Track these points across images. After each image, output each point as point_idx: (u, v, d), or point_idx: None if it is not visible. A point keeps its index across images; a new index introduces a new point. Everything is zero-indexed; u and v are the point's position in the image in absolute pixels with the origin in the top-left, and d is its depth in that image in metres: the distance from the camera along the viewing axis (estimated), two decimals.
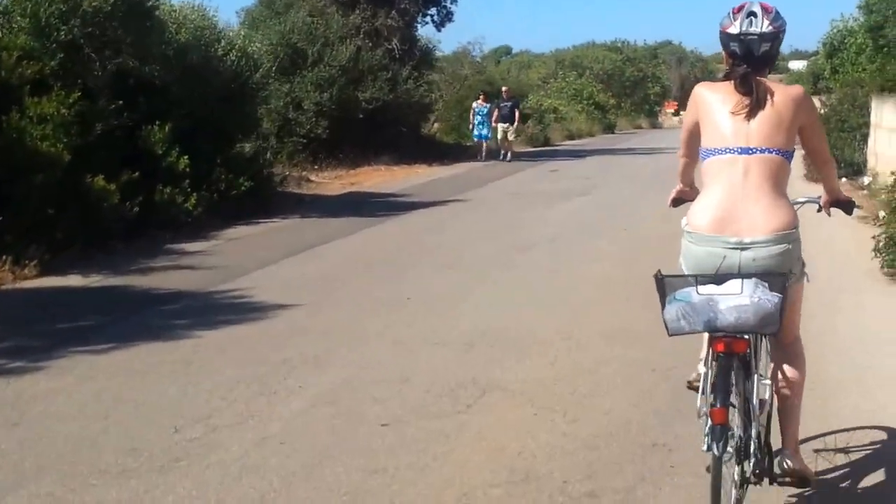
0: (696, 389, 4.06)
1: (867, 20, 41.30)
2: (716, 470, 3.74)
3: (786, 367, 4.20)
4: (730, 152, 4.00)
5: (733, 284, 3.81)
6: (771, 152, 3.98)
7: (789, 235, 3.97)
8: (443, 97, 40.93)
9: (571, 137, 44.09)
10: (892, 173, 9.53)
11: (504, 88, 29.15)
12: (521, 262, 10.75)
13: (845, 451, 4.99)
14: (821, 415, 5.38)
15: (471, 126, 28.06)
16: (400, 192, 18.92)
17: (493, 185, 20.25)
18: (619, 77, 69.86)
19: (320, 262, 11.01)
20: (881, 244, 9.28)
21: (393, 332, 7.65)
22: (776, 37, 4.09)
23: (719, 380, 3.81)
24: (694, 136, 4.26)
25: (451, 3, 30.54)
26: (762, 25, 4.04)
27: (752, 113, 4.01)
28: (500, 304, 8.63)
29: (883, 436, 5.25)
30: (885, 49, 39.59)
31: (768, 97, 4.02)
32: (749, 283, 3.79)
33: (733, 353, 3.84)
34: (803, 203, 4.48)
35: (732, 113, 4.02)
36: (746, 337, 3.90)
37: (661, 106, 79.82)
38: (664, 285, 3.92)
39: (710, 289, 3.83)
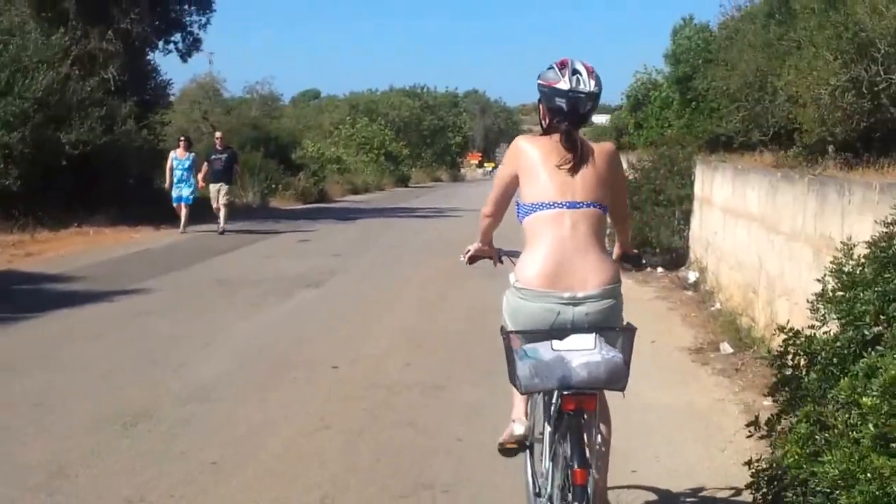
0: (510, 452, 4.14)
1: (674, 71, 38.10)
2: None
3: (601, 424, 4.18)
4: (557, 206, 4.02)
5: (584, 340, 3.78)
6: (595, 206, 4.05)
7: (616, 289, 4.06)
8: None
9: (356, 191, 39.43)
10: (780, 329, 4.79)
11: (217, 135, 21.30)
12: (100, 469, 5.63)
13: None
14: None
15: (167, 184, 20.13)
16: (70, 274, 13.56)
17: (207, 263, 15.12)
18: (417, 125, 66.00)
19: None
20: (762, 477, 4.62)
21: None
22: (598, 97, 4.15)
23: (573, 439, 3.77)
24: (509, 191, 4.27)
25: (199, 29, 25.51)
26: (590, 85, 4.09)
27: (575, 168, 4.06)
28: None
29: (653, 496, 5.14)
30: (694, 103, 36.60)
31: (588, 153, 4.09)
32: (598, 339, 3.76)
33: (583, 410, 3.81)
34: None
35: (557, 167, 4.05)
36: (594, 393, 3.86)
37: (462, 157, 76.43)
38: (510, 341, 3.85)
39: (561, 344, 3.77)
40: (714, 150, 23.89)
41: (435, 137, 68.47)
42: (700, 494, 5.21)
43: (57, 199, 20.00)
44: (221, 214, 19.90)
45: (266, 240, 18.82)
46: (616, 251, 4.63)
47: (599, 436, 4.16)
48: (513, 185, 4.24)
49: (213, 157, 20.40)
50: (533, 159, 4.12)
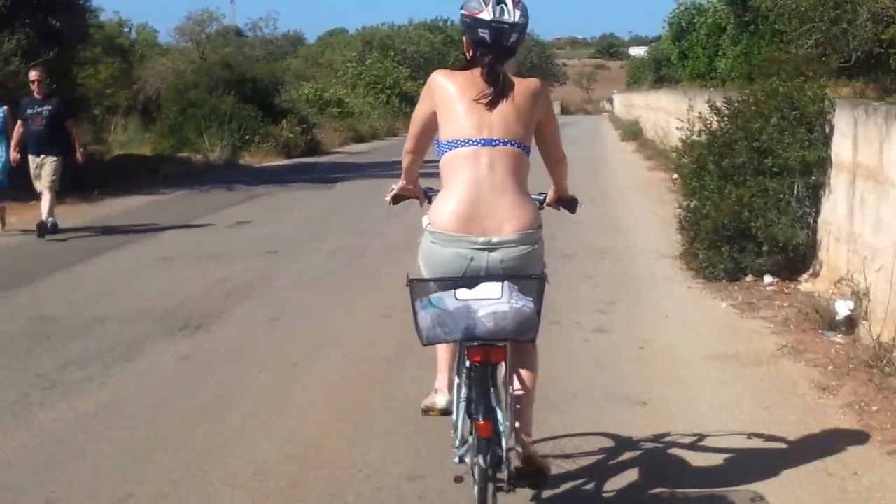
0: (433, 413, 4.06)
1: None
2: (482, 483, 3.57)
3: (522, 369, 4.09)
4: (472, 144, 3.81)
5: (491, 288, 3.59)
6: (513, 145, 3.83)
7: (534, 235, 3.83)
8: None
9: (360, 139, 33.95)
10: None
11: (33, 76, 12.58)
12: None
13: (571, 457, 4.77)
14: None
15: None
16: None
17: (58, 276, 9.77)
18: (440, 61, 60.11)
19: None
20: None
21: None
22: (524, 28, 3.92)
23: (479, 392, 3.68)
24: (428, 127, 4.04)
25: None
26: (514, 15, 3.88)
27: (493, 103, 3.85)
28: None
29: (610, 443, 4.99)
30: (752, 27, 30.93)
31: (510, 89, 3.87)
32: (506, 287, 3.58)
33: (490, 362, 3.70)
34: None
35: (475, 101, 3.83)
36: (502, 345, 3.73)
37: None
38: (415, 289, 3.63)
39: (466, 293, 3.58)
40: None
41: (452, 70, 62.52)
42: None
43: None
44: (44, 202, 12.25)
45: (183, 226, 13.28)
46: (550, 195, 4.38)
47: (520, 385, 4.07)
48: (431, 122, 3.99)
49: (30, 111, 12.32)
50: (450, 94, 3.89)
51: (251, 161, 24.03)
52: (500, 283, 3.58)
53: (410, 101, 45.96)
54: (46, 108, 12.29)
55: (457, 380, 3.89)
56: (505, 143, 3.80)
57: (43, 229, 12.00)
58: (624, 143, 31.66)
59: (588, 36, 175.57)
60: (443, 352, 4.14)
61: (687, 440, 5.05)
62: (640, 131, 31.78)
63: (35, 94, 12.42)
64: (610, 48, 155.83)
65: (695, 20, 38.57)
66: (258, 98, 26.95)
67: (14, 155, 12.38)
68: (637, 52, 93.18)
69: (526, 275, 3.70)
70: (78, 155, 12.53)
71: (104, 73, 36.91)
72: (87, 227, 13.13)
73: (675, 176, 17.34)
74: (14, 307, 8.45)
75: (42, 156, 12.22)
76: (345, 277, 9.56)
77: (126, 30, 47.18)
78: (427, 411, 4.15)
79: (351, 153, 28.64)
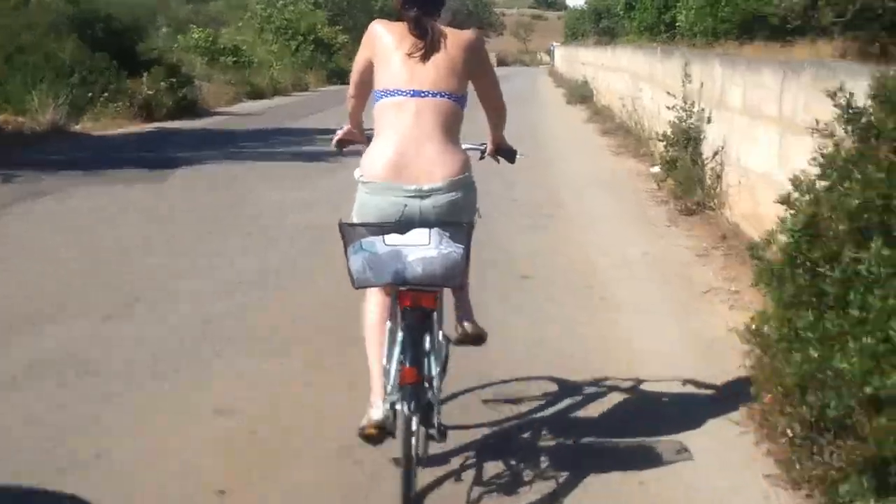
0: (373, 438, 3.65)
1: None
2: (407, 431, 3.54)
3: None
4: (401, 94, 3.83)
5: (419, 234, 3.62)
6: (442, 96, 3.84)
7: (463, 180, 3.84)
8: None
9: (259, 95, 28.47)
10: None
11: None
12: None
13: (515, 401, 4.87)
14: None
15: None
16: None
17: None
18: (364, 3, 54.41)
19: None
20: None
21: None
22: None
23: (407, 337, 3.67)
24: (366, 75, 4.03)
25: None
26: None
27: (425, 56, 3.87)
28: None
29: (554, 387, 5.05)
30: None
31: (441, 41, 3.90)
32: (434, 234, 3.61)
33: (420, 307, 3.69)
34: (466, 150, 4.10)
35: (407, 55, 3.86)
36: (432, 291, 3.74)
37: None
38: (347, 233, 3.61)
39: (396, 239, 3.61)
40: (751, 36, 14.43)
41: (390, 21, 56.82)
42: None
43: None
44: None
45: None
46: (489, 146, 4.47)
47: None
48: (368, 70, 3.99)
49: None
50: (386, 45, 3.91)
51: (91, 128, 18.37)
52: (427, 230, 3.58)
53: (328, 49, 40.38)
54: None
55: (389, 324, 3.83)
56: (434, 95, 3.81)
57: None
58: (571, 106, 26.71)
59: None
60: (374, 356, 3.87)
61: (626, 384, 5.12)
62: (591, 94, 26.76)
63: None
64: None
65: None
66: (115, 44, 21.13)
67: None
68: (577, 2, 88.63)
69: (457, 221, 3.69)
70: None
71: None
72: None
73: (656, 169, 12.43)
74: None
75: None
76: None
77: None
78: (364, 431, 3.64)
79: (237, 115, 23.08)
